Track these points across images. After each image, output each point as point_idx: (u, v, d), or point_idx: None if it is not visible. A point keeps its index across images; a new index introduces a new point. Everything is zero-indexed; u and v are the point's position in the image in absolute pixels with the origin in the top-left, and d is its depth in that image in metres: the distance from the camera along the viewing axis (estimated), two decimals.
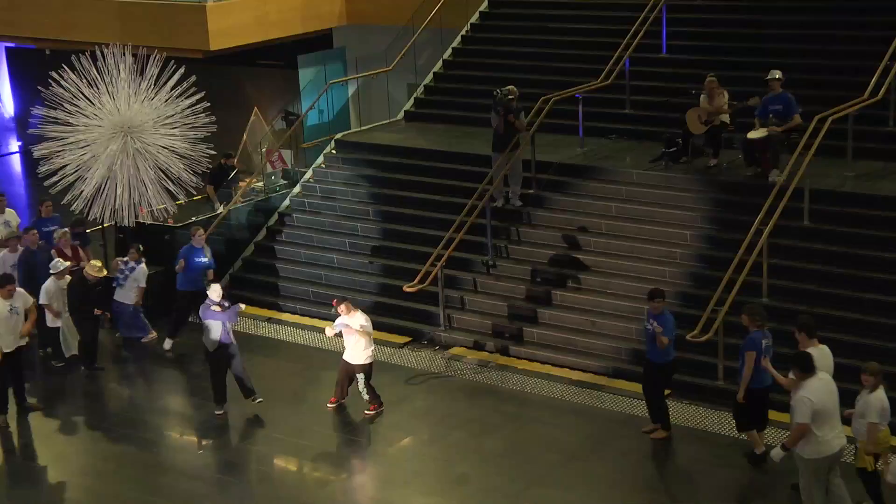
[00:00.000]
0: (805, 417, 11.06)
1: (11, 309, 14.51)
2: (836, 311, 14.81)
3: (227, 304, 14.71)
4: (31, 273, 16.63)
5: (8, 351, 14.53)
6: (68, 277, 16.12)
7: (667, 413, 13.98)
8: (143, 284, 17.06)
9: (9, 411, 14.98)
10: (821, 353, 12.16)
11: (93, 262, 16.21)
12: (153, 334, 17.53)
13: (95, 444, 14.95)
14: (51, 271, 16.12)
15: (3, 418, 14.89)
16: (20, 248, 17.03)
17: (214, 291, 14.73)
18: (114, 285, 17.15)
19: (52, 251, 16.95)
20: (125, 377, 16.96)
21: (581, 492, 13.01)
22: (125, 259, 17.25)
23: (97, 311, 16.13)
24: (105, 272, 16.33)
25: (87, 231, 18.62)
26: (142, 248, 17.37)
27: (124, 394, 16.51)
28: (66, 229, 17.50)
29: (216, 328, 14.65)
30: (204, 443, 14.86)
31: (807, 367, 11.28)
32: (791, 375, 11.49)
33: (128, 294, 17.12)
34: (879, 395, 11.31)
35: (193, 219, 18.88)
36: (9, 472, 14.19)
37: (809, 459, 11.37)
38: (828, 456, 11.34)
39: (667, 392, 14.19)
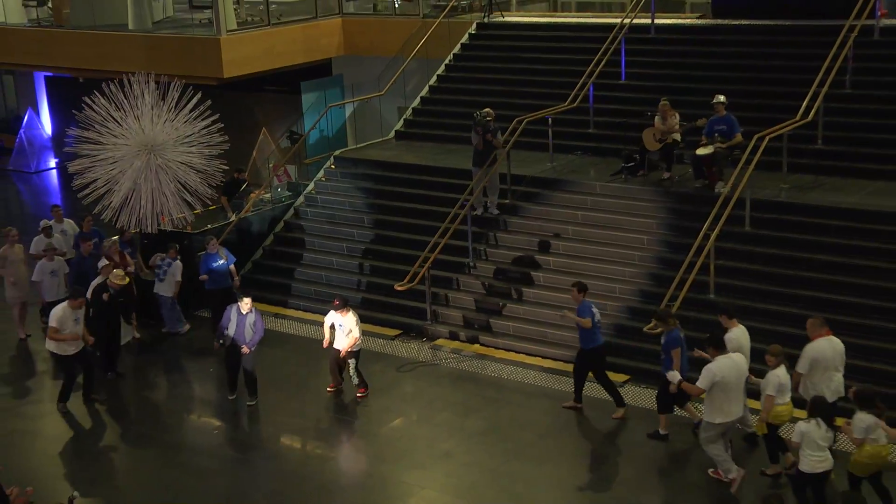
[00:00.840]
0: (703, 384, 11.86)
1: (76, 319, 14.60)
2: (774, 307, 14.91)
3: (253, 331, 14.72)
4: (84, 276, 16.64)
5: (74, 352, 14.67)
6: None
7: (616, 390, 14.16)
8: (179, 278, 17.14)
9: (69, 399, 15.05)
10: (741, 332, 12.76)
11: (116, 271, 16.03)
12: (187, 327, 17.57)
13: (128, 426, 14.99)
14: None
15: (63, 405, 14.94)
16: (56, 259, 17.04)
17: (245, 304, 14.66)
18: (157, 280, 17.28)
19: (103, 258, 16.90)
20: (159, 368, 16.81)
21: (551, 465, 13.10)
22: (163, 256, 17.27)
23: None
24: (127, 280, 16.26)
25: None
26: (178, 247, 17.41)
27: (156, 382, 16.44)
28: (115, 238, 17.48)
29: (231, 328, 14.65)
30: (218, 424, 14.86)
31: (720, 346, 12.00)
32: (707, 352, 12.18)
33: (167, 287, 17.20)
34: (777, 373, 11.79)
35: (209, 226, 18.85)
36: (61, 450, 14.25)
37: (711, 423, 12.03)
38: (726, 422, 12.03)
39: (625, 378, 14.23)
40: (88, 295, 15.90)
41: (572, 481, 12.78)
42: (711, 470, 12.61)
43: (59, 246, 17.76)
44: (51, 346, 14.72)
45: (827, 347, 12.20)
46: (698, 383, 11.97)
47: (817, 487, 11.31)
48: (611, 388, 14.12)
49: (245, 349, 14.67)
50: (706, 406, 12.12)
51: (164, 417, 15.16)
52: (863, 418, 10.95)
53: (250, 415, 14.90)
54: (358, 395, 14.96)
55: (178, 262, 17.17)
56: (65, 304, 14.67)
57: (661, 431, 13.40)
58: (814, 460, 10.97)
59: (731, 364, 11.93)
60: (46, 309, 16.83)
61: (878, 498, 11.34)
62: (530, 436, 13.78)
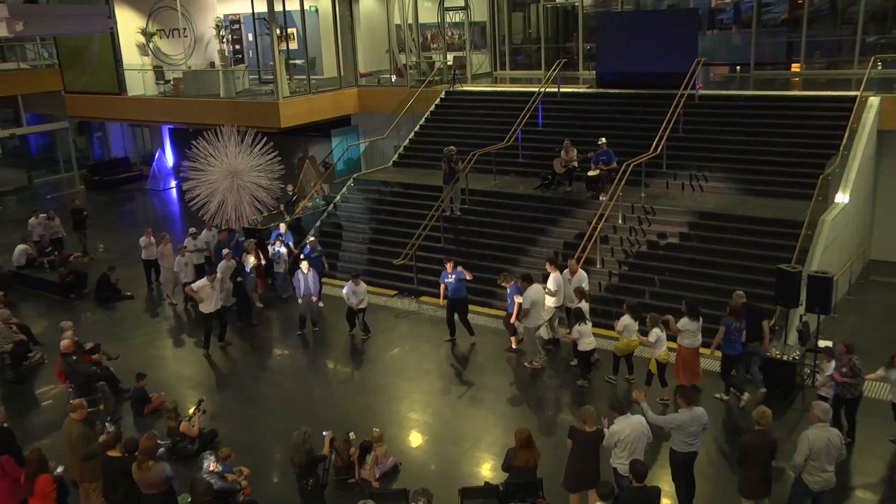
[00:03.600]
0: (526, 304, 12.98)
1: (212, 287, 14.45)
2: (635, 273, 15.10)
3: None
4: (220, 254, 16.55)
5: (211, 311, 14.49)
6: (233, 262, 15.88)
7: (470, 325, 14.48)
8: (287, 259, 16.96)
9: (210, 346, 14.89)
10: (558, 276, 13.45)
11: (245, 255, 15.98)
12: (291, 293, 17.07)
13: (233, 354, 14.79)
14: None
15: (206, 351, 14.71)
16: (187, 254, 16.77)
17: (304, 266, 15.19)
18: (274, 262, 16.98)
19: (245, 251, 16.50)
20: (263, 318, 16.50)
21: (490, 372, 13.32)
22: (273, 245, 16.99)
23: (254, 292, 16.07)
24: (255, 262, 16.10)
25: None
26: (282, 240, 17.23)
27: (259, 326, 16.07)
28: (253, 240, 17.04)
29: (301, 285, 15.05)
30: (281, 352, 14.93)
31: (530, 280, 13.17)
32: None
33: (280, 266, 16.96)
34: (535, 288, 13.05)
35: (271, 224, 18.77)
36: (185, 369, 14.26)
37: (531, 328, 13.14)
38: (539, 324, 13.21)
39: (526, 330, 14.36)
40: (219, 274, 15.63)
41: (500, 382, 12.98)
42: (527, 362, 13.37)
43: (208, 246, 17.50)
44: (202, 307, 14.51)
45: (564, 276, 13.45)
46: (523, 304, 12.98)
47: (587, 359, 12.54)
48: (468, 324, 14.47)
49: (314, 298, 15.00)
50: (528, 320, 13.08)
51: (255, 348, 15.05)
52: (624, 321, 12.06)
53: (300, 346, 14.99)
54: (363, 335, 14.99)
55: (283, 248, 16.93)
56: (205, 279, 14.53)
57: (514, 347, 13.97)
58: (584, 343, 12.34)
59: (536, 289, 13.04)
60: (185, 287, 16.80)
61: (626, 369, 12.57)
62: (480, 358, 13.96)
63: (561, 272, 13.57)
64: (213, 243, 17.54)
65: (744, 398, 11.74)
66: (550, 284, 13.40)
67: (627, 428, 8.83)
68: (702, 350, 12.13)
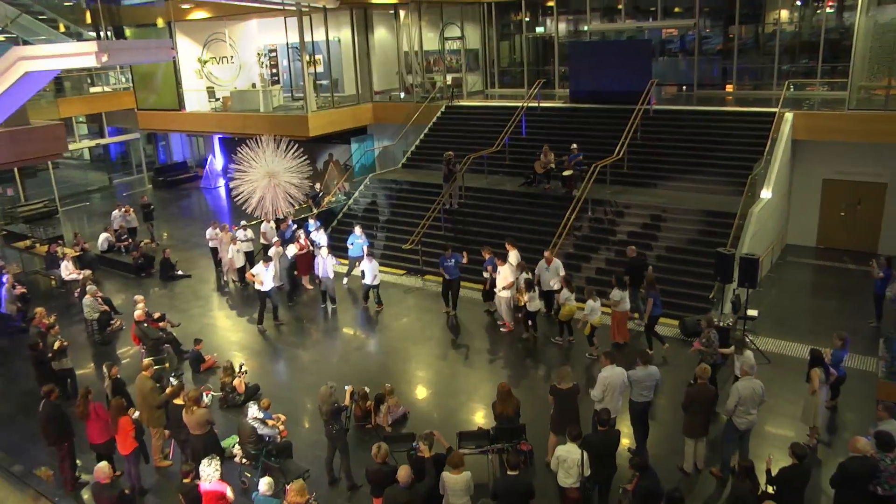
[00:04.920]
0: (511, 278, 12.98)
1: (266, 269, 14.17)
2: (593, 254, 15.09)
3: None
4: (284, 241, 16.31)
5: (269, 288, 14.22)
6: (280, 249, 15.60)
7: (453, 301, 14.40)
8: (324, 244, 16.25)
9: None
10: (517, 255, 13.56)
11: (290, 245, 15.76)
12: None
13: (271, 323, 14.73)
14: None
15: (262, 327, 14.35)
16: (239, 242, 16.58)
17: (324, 251, 14.88)
18: (316, 247, 16.48)
19: (296, 240, 16.25)
20: (299, 295, 16.08)
21: (481, 338, 13.33)
22: (311, 236, 16.81)
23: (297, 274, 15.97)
24: (295, 250, 15.82)
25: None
26: (322, 228, 16.86)
27: (296, 303, 15.63)
28: (301, 231, 16.69)
29: (320, 269, 14.92)
30: (311, 322, 14.88)
31: (505, 260, 13.18)
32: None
33: (324, 252, 16.34)
34: (506, 267, 13.06)
35: (302, 216, 18.69)
36: (231, 335, 14.29)
37: (505, 298, 13.13)
38: (508, 297, 13.14)
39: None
40: (270, 253, 15.37)
41: (488, 345, 13.02)
42: (500, 324, 13.45)
43: (264, 235, 17.20)
44: (256, 286, 14.30)
45: (540, 265, 13.31)
46: (506, 282, 12.97)
47: (534, 318, 12.80)
48: (455, 300, 14.38)
49: (330, 277, 14.87)
50: (504, 294, 13.13)
51: (291, 318, 14.88)
52: (564, 294, 12.27)
53: (326, 316, 15.02)
54: (377, 308, 14.96)
55: (322, 239, 16.59)
56: (261, 262, 14.38)
57: (490, 310, 14.03)
58: (534, 304, 12.69)
59: (507, 267, 13.10)
60: (239, 270, 16.64)
61: (567, 332, 12.63)
62: (474, 325, 14.00)
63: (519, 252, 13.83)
64: (269, 234, 17.36)
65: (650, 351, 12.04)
66: (511, 259, 13.54)
67: (613, 376, 9.05)
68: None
